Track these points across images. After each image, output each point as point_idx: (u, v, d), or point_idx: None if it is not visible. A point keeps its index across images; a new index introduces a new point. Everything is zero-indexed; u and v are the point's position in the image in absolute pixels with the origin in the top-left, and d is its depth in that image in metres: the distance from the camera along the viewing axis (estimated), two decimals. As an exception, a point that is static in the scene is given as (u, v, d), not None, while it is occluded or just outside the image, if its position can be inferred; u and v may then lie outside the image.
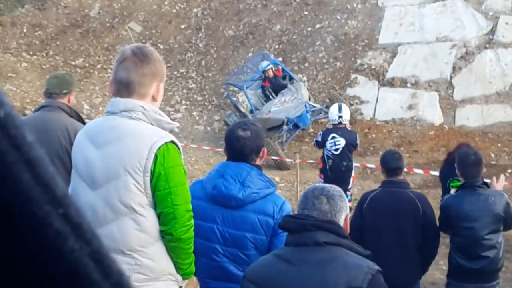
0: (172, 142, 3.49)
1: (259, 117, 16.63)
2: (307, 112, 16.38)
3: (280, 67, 18.16)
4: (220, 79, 22.94)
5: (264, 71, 17.82)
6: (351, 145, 11.10)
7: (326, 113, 15.66)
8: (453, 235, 6.42)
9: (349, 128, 11.63)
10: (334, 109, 11.63)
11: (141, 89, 3.52)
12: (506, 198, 6.19)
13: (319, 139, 11.44)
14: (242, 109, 17.82)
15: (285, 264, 3.17)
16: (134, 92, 3.52)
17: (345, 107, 11.66)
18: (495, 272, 6.19)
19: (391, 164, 6.49)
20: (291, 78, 17.58)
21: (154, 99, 3.60)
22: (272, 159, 16.06)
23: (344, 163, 11.09)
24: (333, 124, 11.46)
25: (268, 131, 15.58)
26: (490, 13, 20.29)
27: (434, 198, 14.23)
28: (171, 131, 3.63)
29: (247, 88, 17.74)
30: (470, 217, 6.10)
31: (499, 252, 6.13)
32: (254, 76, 18.45)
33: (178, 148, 3.54)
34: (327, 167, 11.16)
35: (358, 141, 11.51)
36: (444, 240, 10.82)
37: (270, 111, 16.60)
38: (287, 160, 16.17)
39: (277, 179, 15.53)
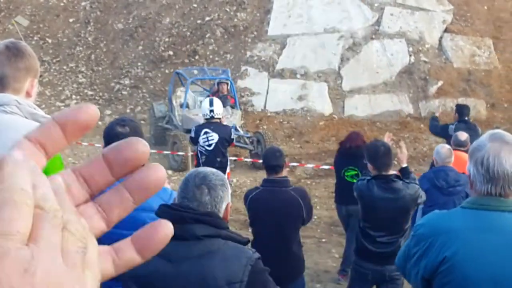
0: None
1: (185, 113, 16.45)
2: None
3: (231, 91, 17.59)
4: (111, 73, 22.59)
5: (219, 83, 17.22)
6: (225, 140, 10.72)
7: (249, 143, 15.89)
8: (362, 219, 6.53)
9: (224, 123, 11.44)
10: (205, 103, 11.40)
11: (15, 83, 3.42)
12: (418, 190, 6.35)
13: (193, 135, 11.07)
14: (173, 102, 17.45)
15: (164, 262, 3.07)
16: (9, 86, 3.42)
17: (217, 101, 11.40)
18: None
19: (271, 162, 6.44)
20: (234, 106, 17.09)
21: (28, 94, 3.51)
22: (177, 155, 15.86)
23: (218, 159, 10.71)
24: (206, 119, 11.23)
25: (185, 131, 15.41)
26: (376, 5, 20.75)
27: (326, 188, 14.50)
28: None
29: (191, 83, 17.38)
30: (379, 206, 6.23)
31: (403, 238, 6.28)
32: (208, 77, 18.22)
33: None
34: (201, 162, 10.84)
35: (233, 136, 11.25)
36: (337, 229, 11.09)
37: (197, 114, 16.26)
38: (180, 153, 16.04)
39: (169, 172, 15.42)
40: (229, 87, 17.05)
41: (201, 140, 10.78)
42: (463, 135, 9.09)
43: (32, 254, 0.56)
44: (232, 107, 16.65)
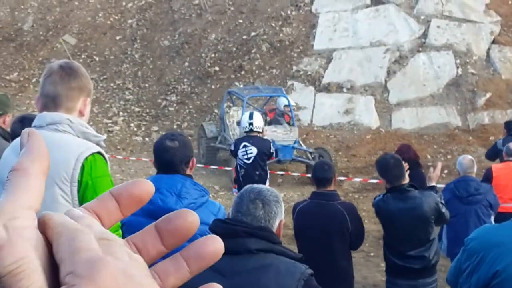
0: (99, 153, 3.44)
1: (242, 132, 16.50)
2: (293, 148, 15.98)
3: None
4: (157, 90, 22.82)
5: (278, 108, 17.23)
6: (264, 154, 10.78)
7: (311, 158, 15.74)
8: (386, 235, 6.52)
9: (264, 137, 11.44)
10: (245, 116, 11.47)
11: (68, 102, 3.47)
12: (435, 197, 6.26)
13: (232, 148, 11.15)
14: (227, 121, 17.19)
15: (218, 276, 3.06)
16: (62, 105, 3.46)
17: (257, 115, 11.48)
18: (428, 269, 6.27)
19: (319, 175, 6.44)
20: (290, 122, 16.96)
21: (81, 113, 3.55)
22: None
23: (257, 172, 10.72)
24: (246, 132, 11.26)
25: None
26: (422, 17, 20.66)
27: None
28: (99, 144, 3.59)
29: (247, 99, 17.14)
30: (397, 218, 6.17)
31: (430, 250, 6.23)
32: (264, 95, 18.29)
33: (105, 159, 3.50)
34: (240, 176, 10.88)
35: (272, 150, 11.20)
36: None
37: None
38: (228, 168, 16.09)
39: (216, 187, 15.49)
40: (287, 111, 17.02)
41: (240, 153, 10.79)
42: None
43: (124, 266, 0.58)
44: (289, 123, 16.61)
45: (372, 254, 11.11)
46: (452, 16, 20.62)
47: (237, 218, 3.22)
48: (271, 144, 11.28)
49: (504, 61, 20.09)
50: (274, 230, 3.25)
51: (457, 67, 19.82)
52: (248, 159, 10.76)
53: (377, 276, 10.00)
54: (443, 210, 6.30)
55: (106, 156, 3.54)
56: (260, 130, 11.21)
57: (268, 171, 11.37)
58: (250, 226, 3.15)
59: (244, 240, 3.09)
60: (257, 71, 21.39)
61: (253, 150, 10.70)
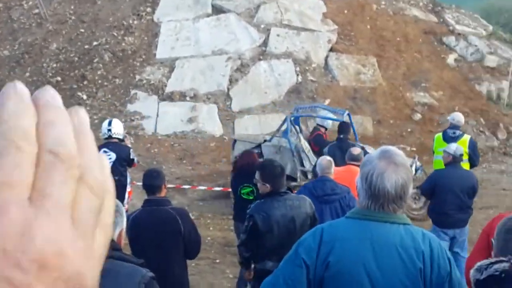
0: None
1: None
2: None
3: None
4: (-3, 101, 21.99)
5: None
6: (123, 160, 10.83)
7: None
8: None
9: (124, 144, 11.44)
10: (104, 123, 11.47)
11: None
12: (308, 200, 6.61)
13: None
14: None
15: None
16: None
17: (116, 122, 11.45)
18: None
19: (147, 182, 6.56)
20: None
21: None
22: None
23: (116, 178, 10.80)
24: (105, 139, 11.25)
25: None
26: (262, 26, 21.06)
27: (218, 209, 14.53)
28: None
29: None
30: (279, 222, 6.36)
31: None
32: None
33: None
34: None
35: (132, 156, 11.25)
36: (231, 249, 11.12)
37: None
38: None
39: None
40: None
41: None
42: (356, 150, 9.49)
43: (35, 214, 0.50)
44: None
45: (217, 261, 11.20)
46: (291, 25, 21.16)
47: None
48: (130, 150, 11.24)
49: (342, 68, 20.83)
50: (115, 238, 3.24)
51: (297, 75, 20.35)
52: None
53: (223, 283, 10.09)
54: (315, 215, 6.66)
55: None
56: (120, 137, 11.17)
57: (129, 177, 11.32)
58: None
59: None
60: (100, 81, 21.07)
61: (112, 156, 10.66)
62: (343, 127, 12.57)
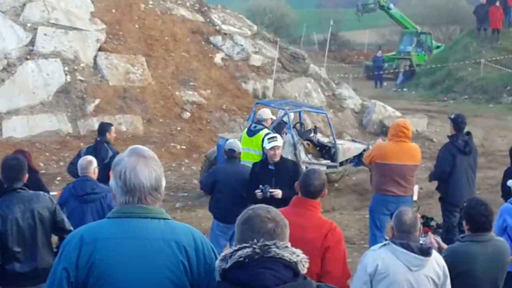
0: None
1: None
2: None
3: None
4: None
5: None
6: None
7: None
8: None
9: None
10: None
11: None
12: (48, 195, 6.82)
13: None
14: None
15: None
16: None
17: None
18: None
19: None
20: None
21: None
22: None
23: None
24: None
25: None
26: (29, 25, 20.56)
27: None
28: None
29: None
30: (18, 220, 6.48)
31: None
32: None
33: None
34: None
35: None
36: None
37: None
38: None
39: None
40: None
41: None
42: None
43: None
44: None
45: None
46: (59, 24, 20.85)
47: None
48: None
49: (111, 68, 20.90)
50: None
51: (66, 74, 20.13)
52: None
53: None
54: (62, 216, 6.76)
55: None
56: None
57: None
58: None
59: None
60: None
61: None
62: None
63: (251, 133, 12.83)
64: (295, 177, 8.86)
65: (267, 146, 9.53)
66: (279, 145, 9.48)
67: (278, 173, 9.36)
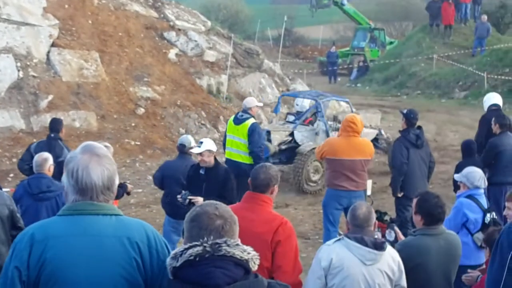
0: None
1: None
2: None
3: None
4: None
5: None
6: None
7: None
8: None
9: None
10: None
11: None
12: (5, 193, 6.89)
13: None
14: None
15: None
16: None
17: None
18: None
19: None
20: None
21: None
22: None
23: None
24: None
25: None
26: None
27: None
28: None
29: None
30: None
31: None
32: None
33: None
34: None
35: None
36: None
37: None
38: None
39: None
40: None
41: None
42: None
43: None
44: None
45: None
46: (11, 19, 20.57)
47: None
48: None
49: (64, 64, 20.70)
50: None
51: (18, 70, 19.88)
52: None
53: None
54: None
55: None
56: None
57: None
58: None
59: None
60: None
61: None
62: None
63: (238, 121, 12.72)
64: (226, 185, 8.92)
65: (194, 150, 9.24)
66: (203, 151, 8.99)
67: (208, 179, 9.06)
